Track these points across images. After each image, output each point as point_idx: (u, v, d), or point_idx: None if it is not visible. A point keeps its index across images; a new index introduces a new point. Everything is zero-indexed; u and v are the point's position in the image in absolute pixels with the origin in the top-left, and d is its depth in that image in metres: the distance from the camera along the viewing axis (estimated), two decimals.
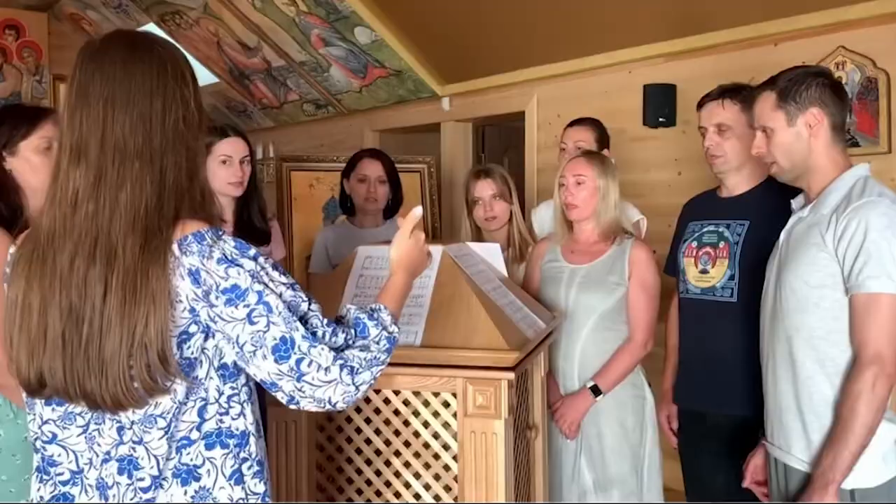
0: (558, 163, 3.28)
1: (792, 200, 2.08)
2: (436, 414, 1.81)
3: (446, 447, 1.80)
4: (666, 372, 2.65)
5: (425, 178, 4.65)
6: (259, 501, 1.36)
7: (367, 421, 1.86)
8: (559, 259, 2.69)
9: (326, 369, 1.26)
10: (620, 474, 2.55)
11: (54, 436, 1.33)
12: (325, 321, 1.32)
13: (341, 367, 1.28)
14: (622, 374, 2.55)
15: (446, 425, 1.80)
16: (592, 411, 2.56)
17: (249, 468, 1.34)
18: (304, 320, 1.29)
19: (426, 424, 1.82)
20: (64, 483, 1.33)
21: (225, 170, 2.73)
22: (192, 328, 1.26)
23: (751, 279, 2.26)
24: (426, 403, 1.81)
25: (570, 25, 4.03)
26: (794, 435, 1.94)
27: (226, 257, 1.26)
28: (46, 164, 2.04)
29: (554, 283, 2.65)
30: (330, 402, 1.28)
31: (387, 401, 1.84)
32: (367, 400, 1.85)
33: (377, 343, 1.36)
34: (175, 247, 1.25)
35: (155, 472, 1.28)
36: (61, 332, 1.25)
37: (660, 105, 3.82)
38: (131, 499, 1.28)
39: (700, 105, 2.48)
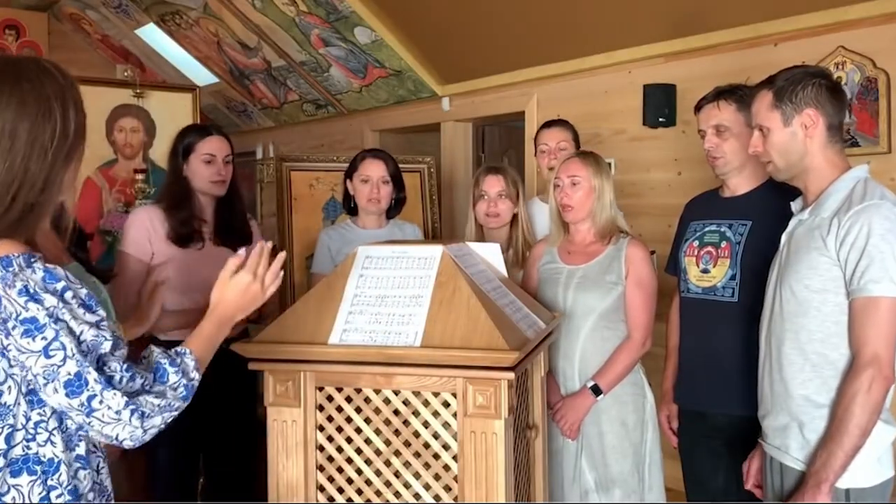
0: (538, 164, 3.29)
1: (792, 203, 2.08)
2: (436, 414, 1.81)
3: (446, 447, 1.80)
4: (666, 371, 2.66)
5: (425, 178, 4.64)
6: None
7: (367, 421, 1.86)
8: (556, 260, 2.69)
9: (117, 412, 1.28)
10: (622, 473, 2.55)
11: None
12: (125, 366, 1.32)
13: (132, 412, 1.29)
14: (622, 374, 2.56)
15: (446, 425, 1.80)
16: (593, 411, 2.56)
17: (59, 496, 1.33)
18: (102, 362, 1.29)
19: (426, 424, 1.82)
20: None
21: (208, 168, 2.75)
22: None
23: (752, 279, 2.26)
24: (426, 403, 1.81)
25: (570, 25, 4.03)
26: (791, 434, 1.94)
27: (27, 290, 1.26)
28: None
29: (552, 285, 2.65)
30: (117, 439, 1.30)
31: (387, 401, 1.84)
32: (367, 400, 1.85)
33: (174, 390, 1.37)
34: None
35: None
36: None
37: (660, 105, 3.82)
38: None
39: (697, 108, 2.48)
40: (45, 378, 1.26)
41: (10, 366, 1.28)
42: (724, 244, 2.39)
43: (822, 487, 1.81)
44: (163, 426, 1.34)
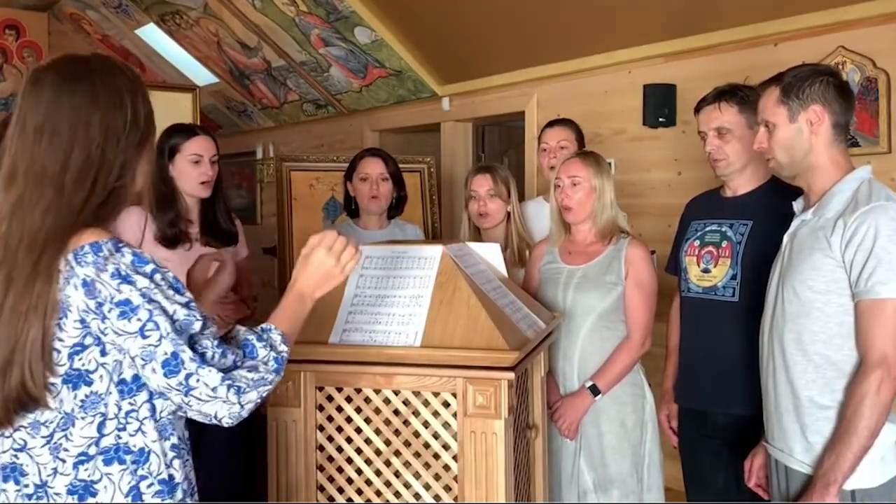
0: (541, 163, 3.29)
1: (794, 202, 2.07)
2: (436, 414, 1.81)
3: (446, 447, 1.80)
4: (666, 371, 2.66)
5: (425, 178, 4.64)
6: None
7: (367, 421, 1.86)
8: (557, 260, 2.69)
9: (214, 388, 1.28)
10: (620, 474, 2.55)
11: None
12: (216, 343, 1.33)
13: (228, 387, 1.29)
14: (621, 374, 2.55)
15: (446, 425, 1.80)
16: (592, 411, 2.56)
17: (149, 486, 1.35)
18: (193, 341, 1.31)
19: (426, 424, 1.82)
20: None
21: (195, 169, 2.72)
22: (87, 340, 1.29)
23: (753, 279, 2.26)
24: (426, 403, 1.81)
25: (570, 25, 4.03)
26: (795, 437, 1.93)
27: (119, 272, 1.28)
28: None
29: (552, 285, 2.65)
30: (216, 417, 1.31)
31: (387, 401, 1.84)
32: (367, 400, 1.85)
33: (265, 364, 1.38)
34: (70, 257, 1.28)
35: (37, 481, 1.30)
36: None
37: (660, 105, 3.82)
38: None
39: (697, 109, 2.48)
40: (143, 359, 1.28)
41: (103, 354, 1.30)
42: (724, 244, 2.39)
43: (831, 489, 1.80)
44: (259, 402, 1.35)
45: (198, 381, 1.28)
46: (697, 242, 2.47)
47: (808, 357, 1.90)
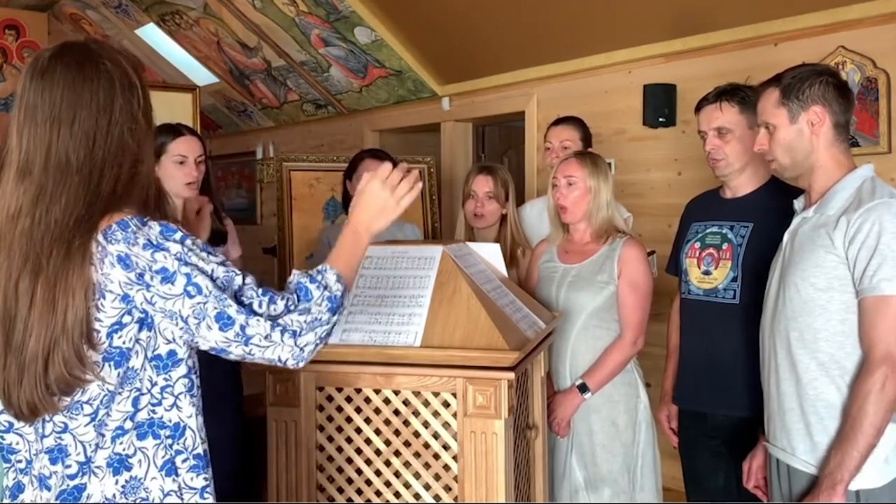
0: (544, 162, 3.29)
1: (794, 201, 2.07)
2: (436, 414, 1.81)
3: (446, 447, 1.80)
4: (667, 372, 2.65)
5: (425, 178, 4.65)
6: (196, 497, 1.37)
7: (367, 421, 1.86)
8: (554, 259, 2.71)
9: (266, 336, 1.29)
10: (611, 473, 2.55)
11: (11, 425, 1.36)
12: (261, 290, 1.34)
13: (281, 332, 1.30)
14: (611, 372, 2.55)
15: (446, 425, 1.80)
16: (584, 409, 2.56)
17: (184, 461, 1.36)
18: (239, 295, 1.32)
19: (426, 424, 1.82)
20: (21, 472, 1.37)
21: (180, 170, 2.68)
22: (126, 318, 1.29)
23: (753, 281, 2.25)
24: (426, 403, 1.81)
25: (570, 25, 4.03)
26: (798, 437, 1.93)
27: (151, 242, 1.29)
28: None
29: (547, 283, 2.67)
30: (281, 360, 1.32)
31: (387, 401, 1.84)
32: (367, 400, 1.85)
33: (319, 305, 1.37)
34: (100, 237, 1.28)
35: (82, 459, 1.31)
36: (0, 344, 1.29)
37: (660, 105, 3.82)
38: (59, 487, 1.31)
39: (697, 109, 2.47)
40: (196, 318, 1.28)
41: (140, 330, 1.30)
42: (725, 246, 2.39)
43: (838, 489, 1.80)
44: (320, 343, 1.36)
45: (252, 328, 1.28)
46: (698, 244, 2.46)
47: (811, 355, 1.90)
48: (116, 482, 1.31)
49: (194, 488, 1.37)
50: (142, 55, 7.09)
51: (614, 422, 2.57)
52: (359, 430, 1.86)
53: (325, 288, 1.39)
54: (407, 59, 5.01)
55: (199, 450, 1.38)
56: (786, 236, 2.03)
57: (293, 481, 1.88)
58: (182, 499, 1.35)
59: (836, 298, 1.86)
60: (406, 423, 1.83)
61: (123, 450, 1.32)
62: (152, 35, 6.69)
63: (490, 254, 2.31)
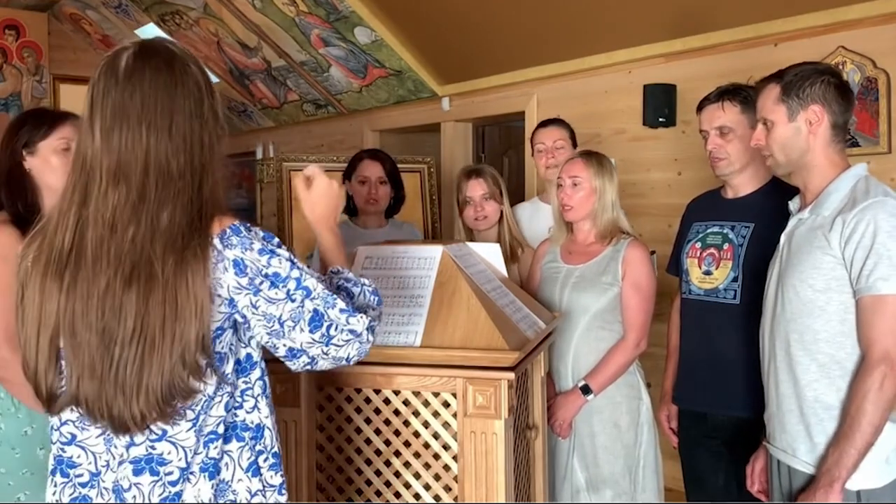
0: (536, 164, 3.29)
1: (790, 202, 2.07)
2: (436, 414, 1.81)
3: (446, 447, 1.80)
4: (667, 372, 2.65)
5: (425, 178, 4.65)
6: (276, 494, 1.39)
7: (367, 421, 1.86)
8: (557, 259, 2.70)
9: (359, 333, 1.35)
10: (612, 474, 2.54)
11: (73, 437, 1.34)
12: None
13: (368, 329, 1.37)
14: (614, 374, 2.55)
15: (446, 425, 1.80)
16: (586, 410, 2.55)
17: (265, 460, 1.38)
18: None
19: (426, 424, 1.82)
20: (83, 485, 1.33)
21: None
22: (226, 323, 1.31)
23: (754, 281, 2.25)
24: (426, 403, 1.81)
25: (570, 25, 4.03)
26: (798, 437, 1.93)
27: (264, 248, 1.32)
28: (64, 164, 2.09)
29: (550, 284, 2.66)
30: (346, 359, 1.37)
31: (387, 401, 1.84)
32: (367, 400, 1.85)
33: (365, 298, 1.45)
34: (216, 241, 1.29)
35: (183, 465, 1.30)
36: (94, 356, 1.26)
37: (660, 105, 3.82)
38: (159, 495, 1.29)
39: (699, 108, 2.47)
40: (293, 321, 1.31)
41: (233, 334, 1.33)
42: (726, 246, 2.39)
43: (835, 486, 1.80)
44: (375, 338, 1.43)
45: (336, 328, 1.33)
46: (699, 244, 2.46)
47: (812, 356, 1.90)
48: (211, 486, 1.32)
49: (273, 486, 1.39)
50: None
51: (616, 423, 2.56)
52: (359, 430, 1.86)
53: (363, 285, 1.46)
54: (407, 59, 5.01)
55: (276, 447, 1.41)
56: (783, 238, 2.03)
57: (293, 481, 1.88)
58: (266, 498, 1.37)
59: (834, 299, 1.86)
60: (406, 423, 1.83)
61: (216, 454, 1.32)
62: (152, 35, 6.67)
63: (490, 254, 2.31)
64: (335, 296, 1.35)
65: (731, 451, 2.35)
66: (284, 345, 1.34)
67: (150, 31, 6.63)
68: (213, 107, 1.35)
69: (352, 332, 1.34)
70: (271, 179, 5.28)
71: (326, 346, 1.33)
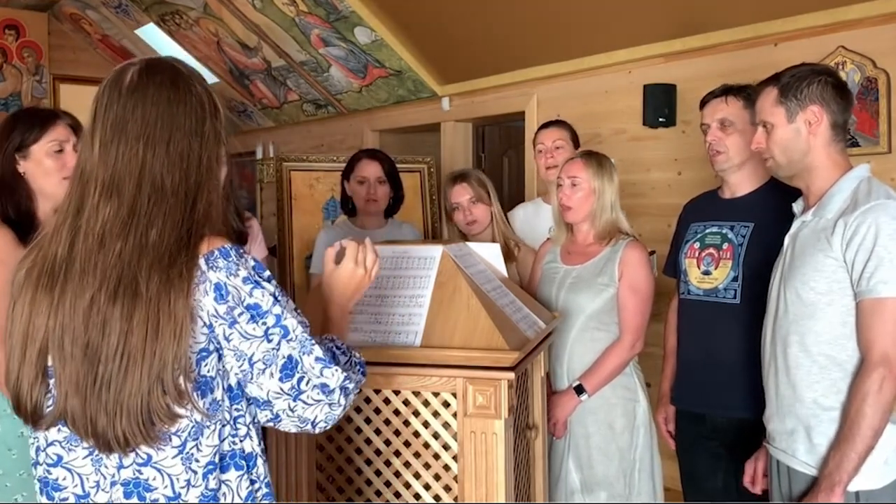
0: (537, 164, 3.29)
1: (793, 204, 2.07)
2: (436, 414, 1.81)
3: (446, 447, 1.80)
4: (664, 374, 2.65)
5: (425, 178, 4.65)
6: None
7: (367, 421, 1.86)
8: (556, 260, 2.70)
9: (331, 390, 1.29)
10: (606, 476, 2.54)
11: (59, 458, 1.30)
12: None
13: (342, 389, 1.30)
14: (608, 375, 2.55)
15: (446, 425, 1.80)
16: (581, 412, 2.55)
17: (258, 490, 1.34)
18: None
19: (426, 424, 1.82)
20: None
21: None
22: (210, 346, 1.26)
23: (754, 281, 2.25)
24: (426, 403, 1.81)
25: (570, 25, 4.03)
26: (798, 438, 1.93)
27: (250, 277, 1.27)
28: (58, 166, 2.09)
29: (548, 284, 2.66)
30: (313, 422, 1.31)
31: (387, 401, 1.84)
32: (367, 400, 1.85)
33: (354, 368, 1.40)
34: (202, 262, 1.25)
35: (170, 493, 1.25)
36: (80, 371, 1.23)
37: (660, 105, 3.82)
38: None
39: (703, 103, 2.48)
40: (263, 363, 1.26)
41: (219, 360, 1.27)
42: (726, 246, 2.39)
43: (836, 490, 1.80)
44: (347, 406, 1.35)
45: (308, 383, 1.27)
46: (698, 244, 2.46)
47: (813, 358, 1.90)
48: None
49: None
50: (142, 55, 7.10)
51: (611, 425, 2.56)
52: (359, 430, 1.86)
53: (344, 352, 1.40)
54: (407, 59, 5.00)
55: (268, 477, 1.37)
56: (786, 240, 2.03)
57: (293, 481, 1.88)
58: None
59: (836, 302, 1.86)
60: (406, 422, 1.83)
61: (215, 485, 1.28)
62: (152, 35, 6.68)
63: (490, 254, 2.31)
64: (314, 342, 1.29)
65: (729, 452, 2.35)
66: (251, 392, 1.28)
67: (150, 31, 6.63)
68: (216, 127, 1.32)
69: (324, 387, 1.28)
70: (271, 179, 5.27)
71: (294, 400, 1.27)
